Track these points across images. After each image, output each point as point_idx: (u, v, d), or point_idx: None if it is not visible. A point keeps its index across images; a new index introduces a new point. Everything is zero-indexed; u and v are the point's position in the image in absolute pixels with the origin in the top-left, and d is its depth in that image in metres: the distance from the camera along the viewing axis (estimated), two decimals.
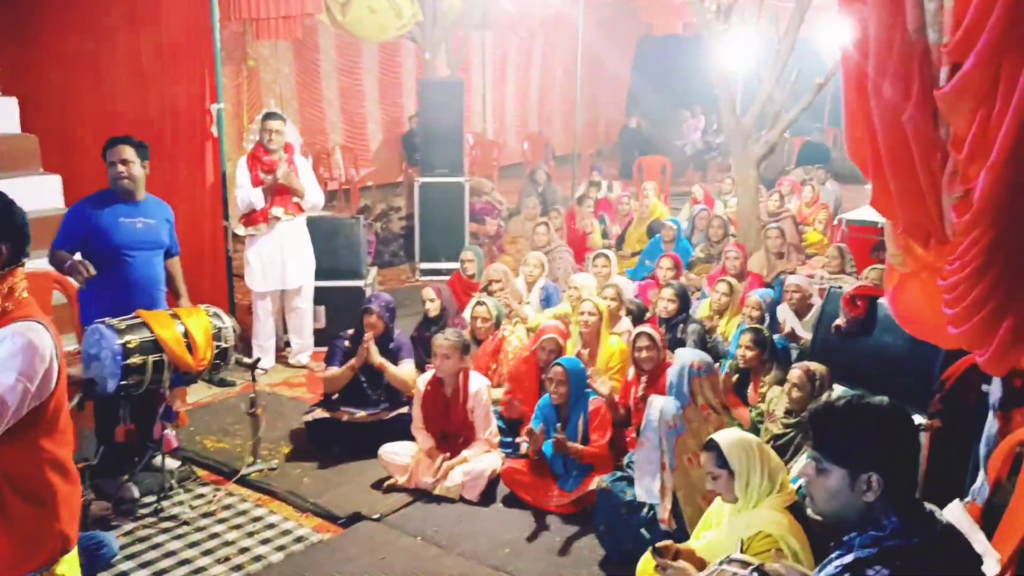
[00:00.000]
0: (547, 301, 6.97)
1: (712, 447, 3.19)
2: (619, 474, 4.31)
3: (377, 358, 5.19)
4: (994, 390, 3.31)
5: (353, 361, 5.21)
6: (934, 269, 2.71)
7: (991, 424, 3.33)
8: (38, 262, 4.77)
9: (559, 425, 4.62)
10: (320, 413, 5.19)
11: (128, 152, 4.57)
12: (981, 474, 3.33)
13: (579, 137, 12.35)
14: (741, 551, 2.86)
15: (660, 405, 4.03)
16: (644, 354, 4.77)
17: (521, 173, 14.20)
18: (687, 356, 4.36)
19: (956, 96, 2.38)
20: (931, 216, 2.66)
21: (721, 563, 2.63)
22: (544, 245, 8.06)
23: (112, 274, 4.53)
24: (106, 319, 4.23)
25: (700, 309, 6.37)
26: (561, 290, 7.24)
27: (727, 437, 3.22)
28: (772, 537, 2.96)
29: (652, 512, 3.97)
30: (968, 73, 2.31)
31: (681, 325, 5.73)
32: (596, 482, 4.37)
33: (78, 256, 4.46)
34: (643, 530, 3.94)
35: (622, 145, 17.57)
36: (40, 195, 5.73)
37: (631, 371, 5.05)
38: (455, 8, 11.50)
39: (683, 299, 5.84)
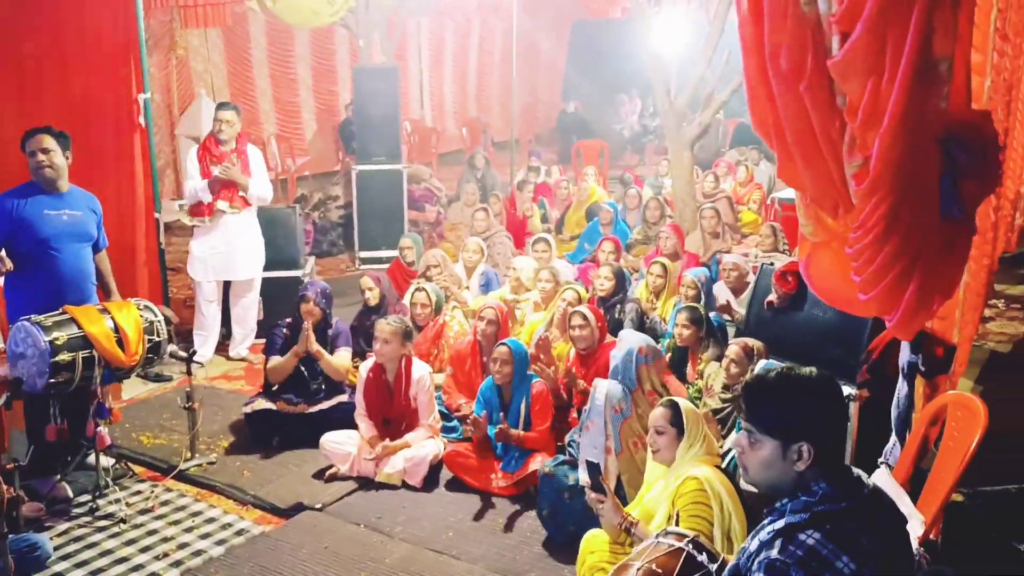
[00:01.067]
0: (487, 286, 6.98)
1: (670, 405, 3.29)
2: (561, 458, 4.34)
3: (315, 345, 5.15)
4: (903, 354, 3.42)
5: (296, 348, 5.16)
6: (843, 238, 2.78)
7: (901, 388, 3.45)
8: None
9: (502, 415, 4.64)
10: (261, 404, 5.13)
11: (48, 141, 4.44)
12: (892, 437, 3.45)
13: (517, 122, 12.35)
14: (676, 524, 2.92)
15: (605, 389, 4.03)
16: (577, 332, 4.82)
17: (460, 160, 14.16)
18: (633, 340, 4.28)
19: (846, 65, 2.43)
20: (835, 185, 2.72)
21: (658, 536, 2.68)
22: (483, 231, 8.06)
23: (39, 269, 4.42)
24: (32, 316, 4.12)
25: (637, 290, 6.45)
26: (501, 275, 7.27)
27: (684, 402, 3.35)
28: (698, 479, 3.04)
29: None
30: (856, 42, 2.36)
31: (619, 305, 5.79)
32: (539, 463, 4.41)
33: (1, 252, 4.33)
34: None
35: (560, 129, 17.63)
36: None
37: (571, 352, 5.11)
38: None
39: (620, 279, 5.90)
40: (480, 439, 4.68)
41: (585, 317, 4.87)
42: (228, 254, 6.34)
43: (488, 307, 5.38)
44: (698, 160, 9.84)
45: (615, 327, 5.38)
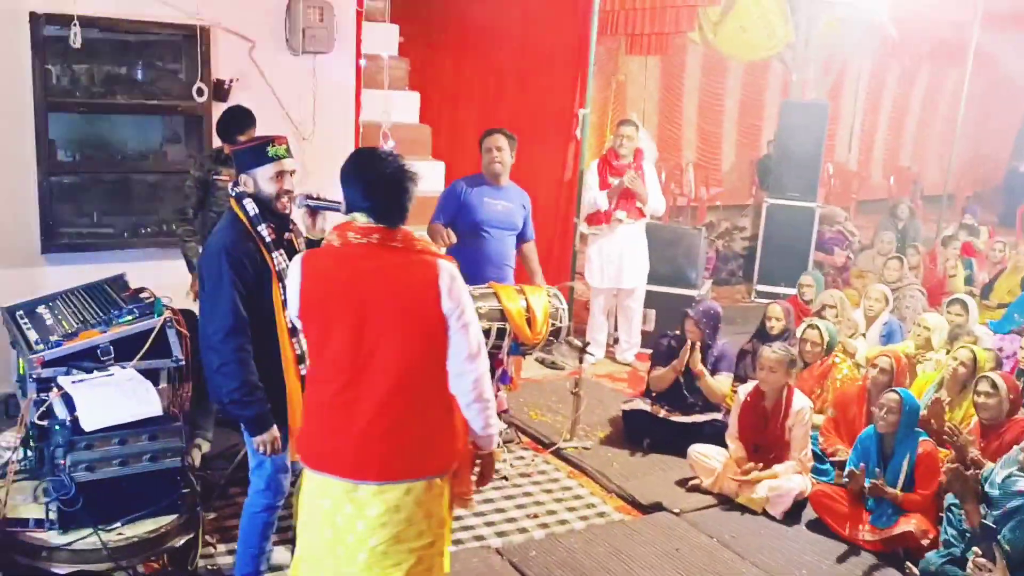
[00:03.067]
0: (888, 337, 6.57)
1: None
2: (946, 553, 3.99)
3: (698, 364, 5.26)
4: None
5: (675, 362, 5.33)
6: None
7: None
8: (418, 234, 5.52)
9: (878, 470, 4.39)
10: (638, 404, 5.41)
11: (501, 141, 5.13)
12: None
13: (953, 176, 11.37)
14: None
15: None
16: (982, 399, 4.38)
17: (882, 209, 13.36)
18: None
19: None
20: None
21: None
22: (894, 281, 7.60)
23: (471, 246, 5.11)
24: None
25: None
26: (906, 329, 6.80)
27: None
28: None
29: None
30: None
31: None
32: (912, 525, 4.15)
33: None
34: None
35: (1006, 189, 15.82)
36: (427, 179, 6.59)
37: (973, 420, 4.67)
38: (831, 30, 11.17)
39: None
40: (856, 490, 4.47)
41: (995, 385, 4.42)
42: (619, 263, 6.71)
43: (884, 355, 5.11)
44: None
45: None
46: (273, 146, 3.22)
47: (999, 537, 3.57)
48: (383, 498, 2.59)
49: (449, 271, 2.60)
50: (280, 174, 3.22)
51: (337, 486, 2.62)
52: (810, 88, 11.89)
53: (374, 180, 2.60)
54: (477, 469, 2.92)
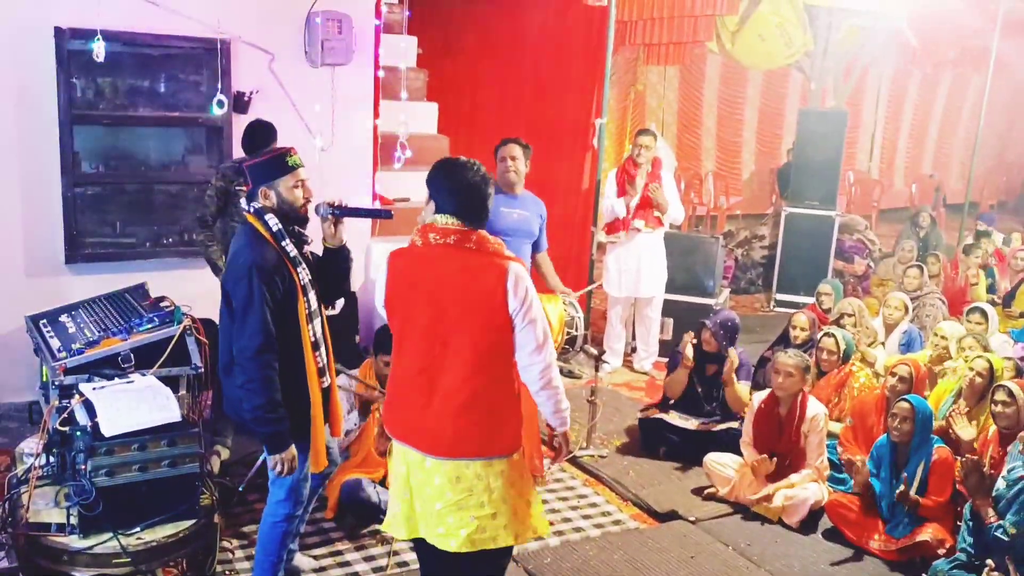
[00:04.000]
0: (907, 346, 6.54)
1: None
2: (958, 559, 3.98)
3: (731, 376, 5.22)
4: None
5: (683, 359, 5.33)
6: None
7: None
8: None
9: (904, 476, 4.37)
10: (654, 412, 5.42)
11: (516, 150, 5.17)
12: None
13: (975, 184, 11.29)
14: None
15: None
16: (1000, 408, 4.36)
17: (904, 217, 13.28)
18: None
19: None
20: None
21: None
22: (914, 289, 7.55)
23: None
24: None
25: None
26: (926, 338, 6.76)
27: None
28: None
29: None
30: None
31: None
32: (928, 535, 4.14)
33: None
34: None
35: None
36: None
37: (991, 429, 4.63)
38: (850, 38, 11.14)
39: None
40: (866, 493, 4.46)
41: (1011, 394, 4.39)
42: (637, 271, 6.70)
43: (903, 363, 5.08)
44: None
45: None
46: (291, 156, 3.27)
47: (1004, 522, 3.56)
48: (445, 471, 2.91)
49: (516, 272, 2.85)
50: (300, 182, 3.28)
51: (412, 454, 2.96)
52: (829, 96, 11.86)
53: (461, 185, 2.90)
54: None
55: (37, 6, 4.97)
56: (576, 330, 4.95)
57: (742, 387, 5.33)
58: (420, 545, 3.11)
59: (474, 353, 2.87)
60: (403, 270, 2.96)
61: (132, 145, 5.63)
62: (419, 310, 2.91)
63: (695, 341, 5.39)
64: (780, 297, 9.29)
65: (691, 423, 5.33)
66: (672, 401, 5.54)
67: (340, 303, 5.32)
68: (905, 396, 4.53)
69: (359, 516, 4.29)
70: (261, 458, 4.20)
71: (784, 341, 6.17)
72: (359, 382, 4.48)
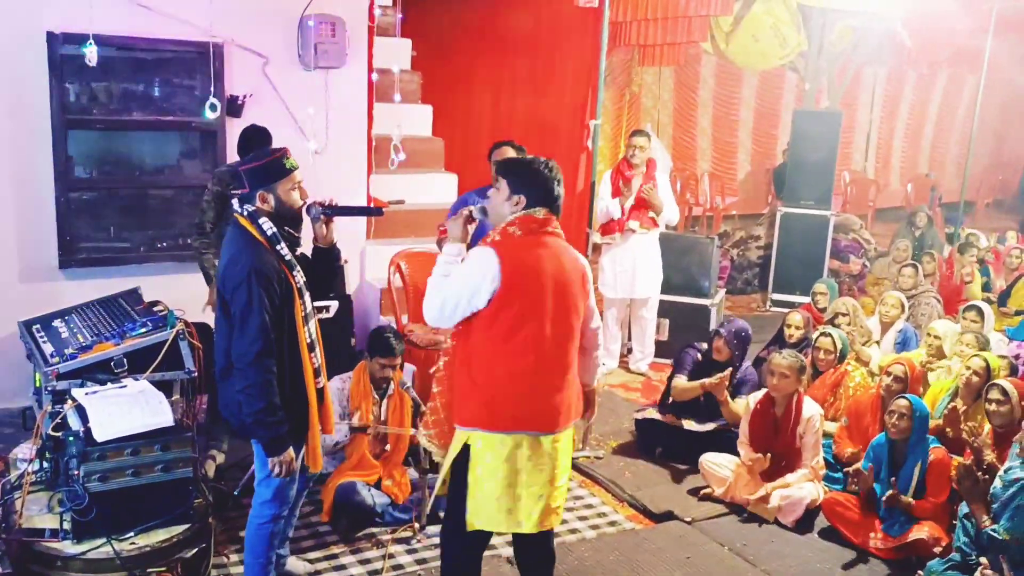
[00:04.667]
0: (903, 345, 6.54)
1: None
2: (953, 559, 3.98)
3: (723, 392, 5.18)
4: None
5: (706, 382, 5.23)
6: None
7: None
8: (429, 246, 5.58)
9: (893, 479, 4.36)
10: (650, 413, 5.42)
11: (510, 152, 5.13)
12: None
13: (971, 184, 11.30)
14: None
15: None
16: (994, 407, 4.36)
17: (900, 217, 13.30)
18: None
19: None
20: None
21: None
22: (909, 288, 7.56)
23: None
24: None
25: None
26: (921, 336, 6.76)
27: None
28: None
29: None
30: None
31: None
32: (925, 533, 4.15)
33: None
34: None
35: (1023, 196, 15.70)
36: (439, 190, 6.65)
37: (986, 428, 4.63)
38: (844, 39, 11.15)
39: None
40: (865, 493, 4.46)
41: (1005, 392, 4.39)
42: (633, 272, 6.69)
43: (898, 363, 5.08)
44: None
45: None
46: (287, 158, 3.27)
47: (997, 526, 3.56)
48: (553, 443, 3.16)
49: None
50: (297, 184, 3.28)
51: (524, 440, 3.12)
52: (824, 96, 11.88)
53: (550, 180, 3.16)
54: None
55: (29, 12, 4.96)
56: None
57: (741, 402, 5.20)
58: (520, 541, 3.38)
59: (576, 327, 3.22)
60: (522, 261, 3.09)
61: (126, 149, 5.62)
62: (544, 296, 3.10)
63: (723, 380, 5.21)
64: (776, 297, 9.29)
65: (689, 423, 5.32)
66: (671, 402, 5.51)
67: (335, 306, 5.32)
68: (904, 394, 4.54)
69: (354, 519, 4.29)
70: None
71: (779, 341, 6.17)
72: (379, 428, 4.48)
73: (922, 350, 6.30)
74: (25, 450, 3.58)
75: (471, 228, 3.33)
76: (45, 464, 3.41)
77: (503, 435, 3.10)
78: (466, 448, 3.15)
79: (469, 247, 3.26)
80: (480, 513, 3.16)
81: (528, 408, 3.13)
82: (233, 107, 5.52)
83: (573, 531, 4.43)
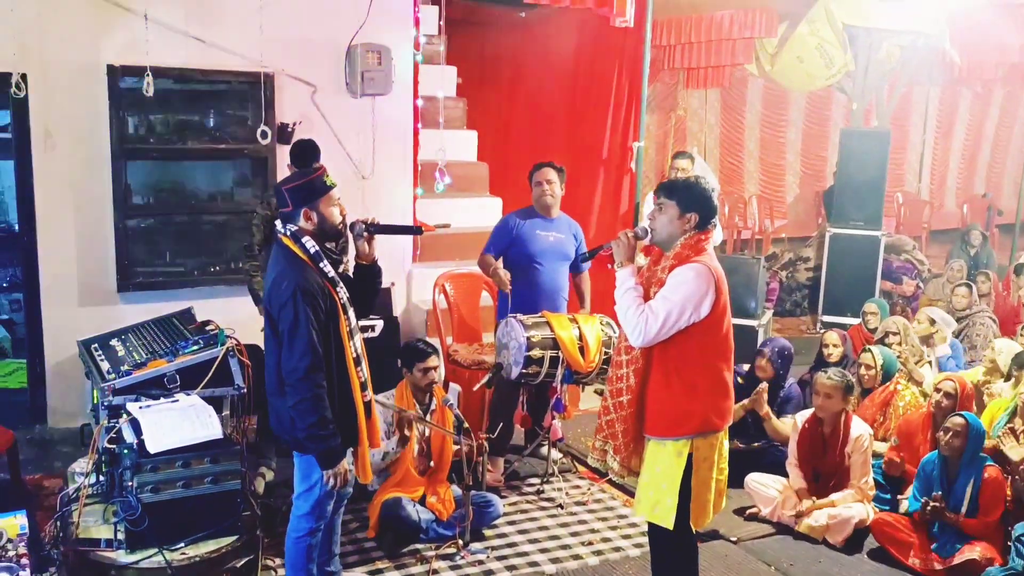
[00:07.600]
0: (946, 362, 6.42)
1: None
2: (1008, 569, 3.90)
3: (764, 407, 5.18)
4: None
5: (746, 402, 5.22)
6: None
7: None
8: (473, 267, 5.66)
9: (938, 493, 4.28)
10: None
11: (551, 174, 5.23)
12: None
13: None
14: None
15: None
16: None
17: (956, 239, 13.05)
18: None
19: None
20: None
21: None
22: (963, 308, 7.42)
23: (524, 278, 5.20)
24: (517, 314, 4.88)
25: None
26: (979, 357, 6.61)
27: None
28: None
29: None
30: None
31: None
32: (977, 553, 4.07)
33: (500, 263, 5.19)
34: None
35: None
36: (485, 214, 6.73)
37: None
38: (891, 58, 11.04)
39: None
40: (918, 514, 4.37)
41: None
42: None
43: (948, 379, 4.99)
44: None
45: None
46: (326, 176, 3.37)
47: None
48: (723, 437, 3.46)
49: None
50: (336, 201, 3.38)
51: (719, 438, 3.42)
52: (873, 116, 11.75)
53: (712, 198, 3.44)
54: None
55: (90, 47, 5.20)
56: (613, 350, 4.94)
57: (787, 420, 5.19)
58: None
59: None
60: (718, 271, 3.37)
61: (180, 177, 5.84)
62: (727, 310, 3.42)
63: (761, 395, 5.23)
64: (826, 319, 9.14)
65: (734, 443, 5.26)
66: None
67: (380, 325, 5.41)
68: (959, 412, 4.46)
69: (399, 535, 4.33)
70: None
71: (820, 361, 6.10)
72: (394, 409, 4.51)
73: (980, 368, 6.17)
74: (82, 464, 3.71)
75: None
76: (101, 477, 3.53)
77: (717, 433, 3.40)
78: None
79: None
80: (702, 513, 3.45)
81: (728, 404, 3.46)
82: (283, 134, 5.69)
83: (617, 549, 4.41)
